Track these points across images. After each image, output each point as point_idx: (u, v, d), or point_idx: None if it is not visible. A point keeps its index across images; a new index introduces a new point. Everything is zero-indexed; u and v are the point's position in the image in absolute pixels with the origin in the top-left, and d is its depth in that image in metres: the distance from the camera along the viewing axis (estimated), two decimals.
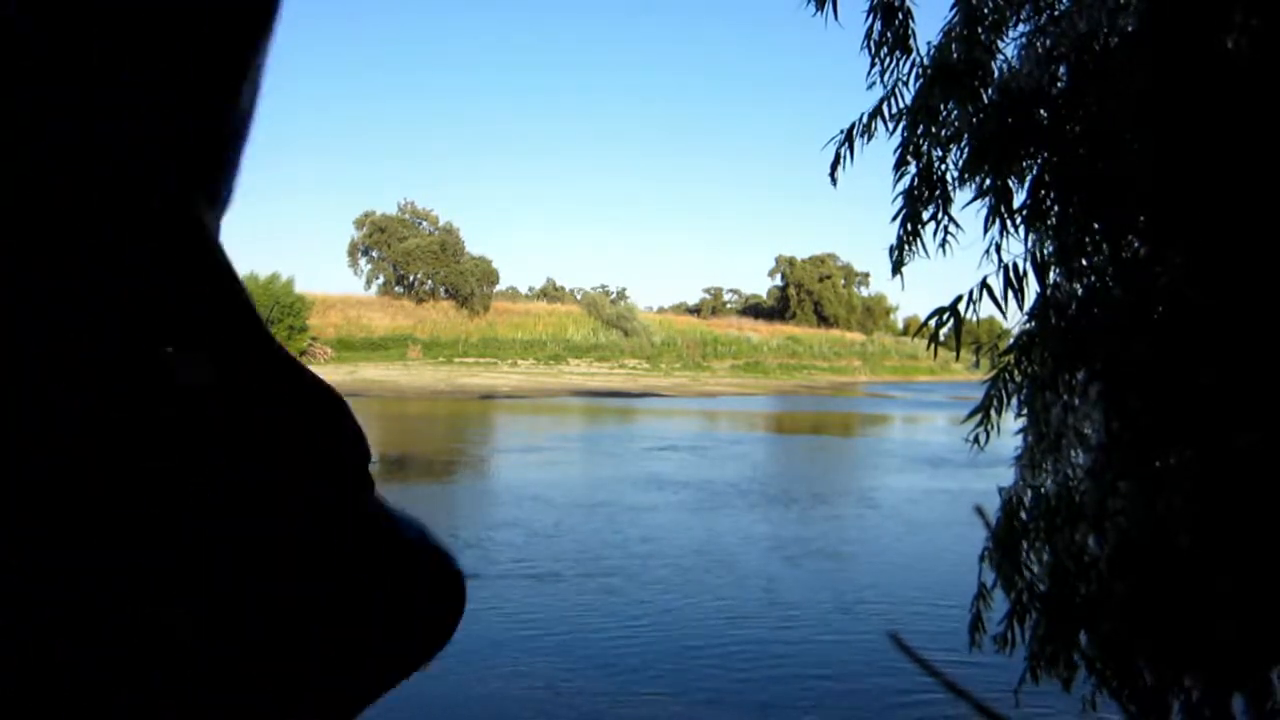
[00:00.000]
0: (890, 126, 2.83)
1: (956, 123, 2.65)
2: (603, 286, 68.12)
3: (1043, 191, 2.48)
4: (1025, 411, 2.54)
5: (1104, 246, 2.43)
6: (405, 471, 14.17)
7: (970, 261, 2.49)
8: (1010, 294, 2.36)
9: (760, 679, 5.35)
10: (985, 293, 2.35)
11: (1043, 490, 2.55)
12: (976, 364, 2.67)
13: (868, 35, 2.83)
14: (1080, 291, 2.42)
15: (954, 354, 2.42)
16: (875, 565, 8.36)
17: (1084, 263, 2.43)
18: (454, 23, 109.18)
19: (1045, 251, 2.47)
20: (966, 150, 2.64)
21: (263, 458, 0.29)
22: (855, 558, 8.73)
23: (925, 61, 2.74)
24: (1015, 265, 2.39)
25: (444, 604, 0.33)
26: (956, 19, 2.65)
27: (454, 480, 13.52)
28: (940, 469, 15.83)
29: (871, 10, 2.81)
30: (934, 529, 10.06)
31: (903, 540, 9.48)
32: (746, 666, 5.55)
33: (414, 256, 56.08)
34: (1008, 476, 2.67)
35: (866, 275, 79.68)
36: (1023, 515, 2.57)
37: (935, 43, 2.72)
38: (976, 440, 2.62)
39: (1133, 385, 2.29)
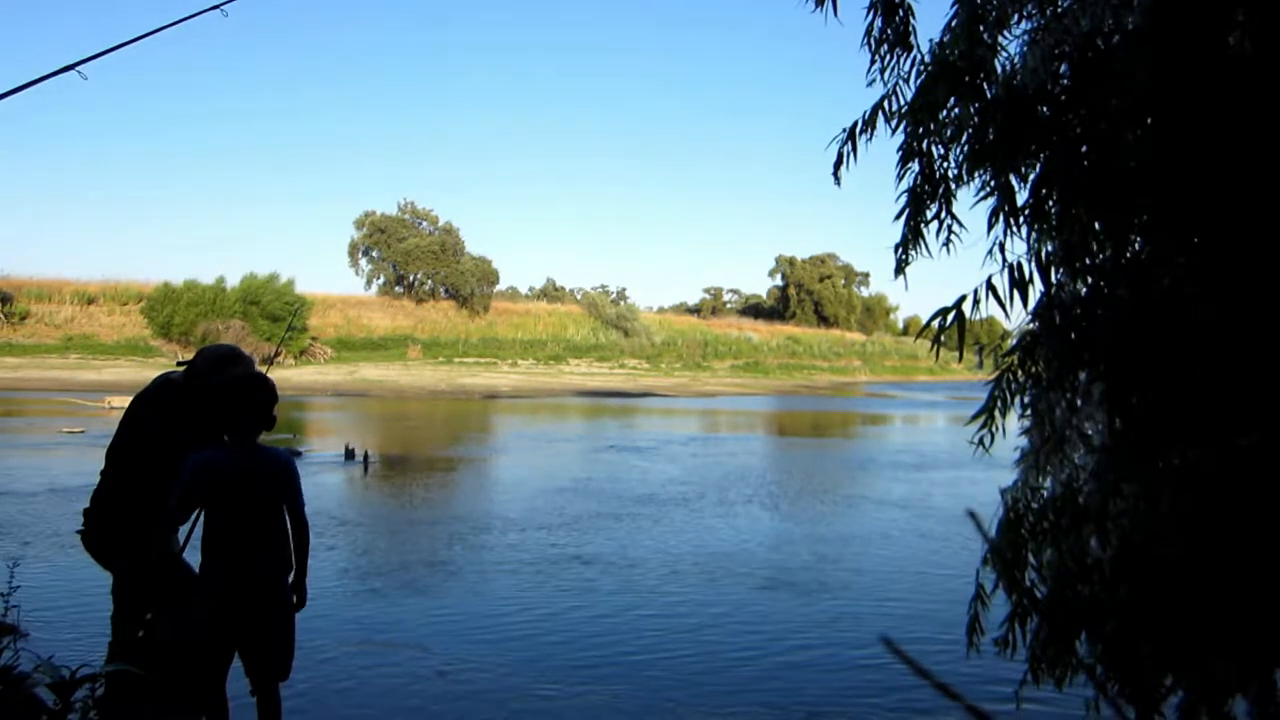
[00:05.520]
0: (892, 125, 2.81)
1: (958, 121, 2.63)
2: (603, 286, 68.12)
3: (1045, 190, 2.46)
4: (1029, 412, 2.52)
5: (1107, 246, 2.41)
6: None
7: (969, 261, 2.47)
8: (1014, 293, 2.34)
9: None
10: (989, 292, 2.33)
11: (1045, 491, 2.53)
12: (980, 364, 2.65)
13: (868, 32, 2.81)
14: (1083, 291, 2.40)
15: (956, 354, 2.39)
16: (862, 570, 8.31)
17: (1087, 262, 2.41)
18: (455, 23, 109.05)
19: (1048, 251, 2.45)
20: (967, 148, 2.62)
21: None
22: (841, 561, 8.69)
23: (926, 59, 2.73)
24: (1019, 265, 2.37)
25: None
26: (958, 16, 2.63)
27: (396, 484, 13.32)
28: (936, 470, 15.82)
29: (871, 7, 2.80)
30: (927, 530, 10.02)
31: (891, 544, 9.42)
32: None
33: (414, 256, 56.03)
34: (1007, 477, 2.65)
35: (866, 275, 79.72)
36: (1027, 517, 2.55)
37: (936, 40, 2.70)
38: (981, 443, 2.59)
39: (1135, 386, 2.27)
